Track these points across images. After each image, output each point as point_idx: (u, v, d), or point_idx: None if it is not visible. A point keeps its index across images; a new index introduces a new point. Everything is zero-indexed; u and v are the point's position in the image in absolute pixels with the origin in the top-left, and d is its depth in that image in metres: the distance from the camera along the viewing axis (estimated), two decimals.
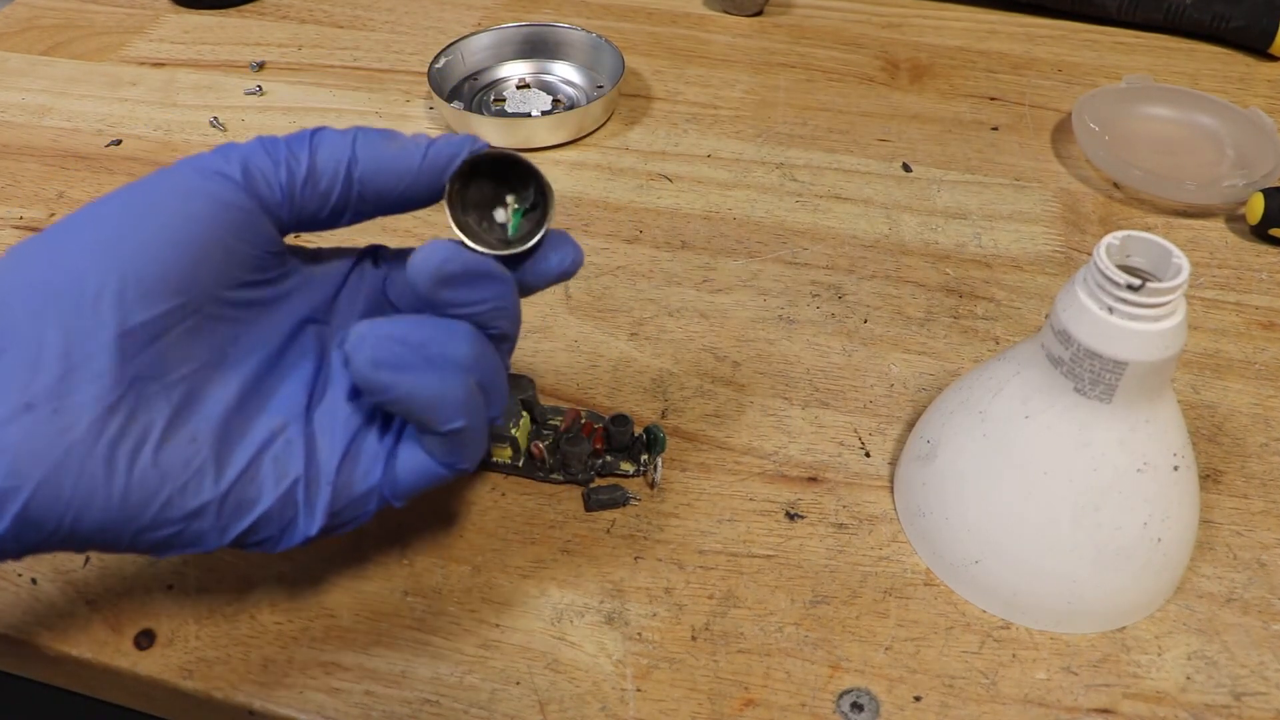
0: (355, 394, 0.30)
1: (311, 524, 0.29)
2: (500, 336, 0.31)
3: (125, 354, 0.25)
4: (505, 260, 0.31)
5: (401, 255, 0.33)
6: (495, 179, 0.32)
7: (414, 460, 0.30)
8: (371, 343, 0.27)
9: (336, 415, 0.30)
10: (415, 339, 0.28)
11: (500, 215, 0.32)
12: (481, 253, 0.30)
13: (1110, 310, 0.31)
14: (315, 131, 0.30)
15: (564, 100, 0.62)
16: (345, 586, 0.36)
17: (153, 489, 0.26)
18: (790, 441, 0.41)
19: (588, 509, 0.38)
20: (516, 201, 0.32)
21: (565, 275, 0.32)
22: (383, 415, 0.30)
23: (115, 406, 0.25)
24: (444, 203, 0.31)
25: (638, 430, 0.40)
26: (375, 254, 0.33)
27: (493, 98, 0.63)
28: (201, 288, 0.27)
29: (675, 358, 0.45)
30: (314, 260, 0.32)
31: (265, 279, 0.30)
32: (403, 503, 0.30)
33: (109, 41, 0.69)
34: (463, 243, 0.30)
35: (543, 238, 0.31)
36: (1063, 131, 0.60)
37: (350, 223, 0.31)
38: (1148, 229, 0.52)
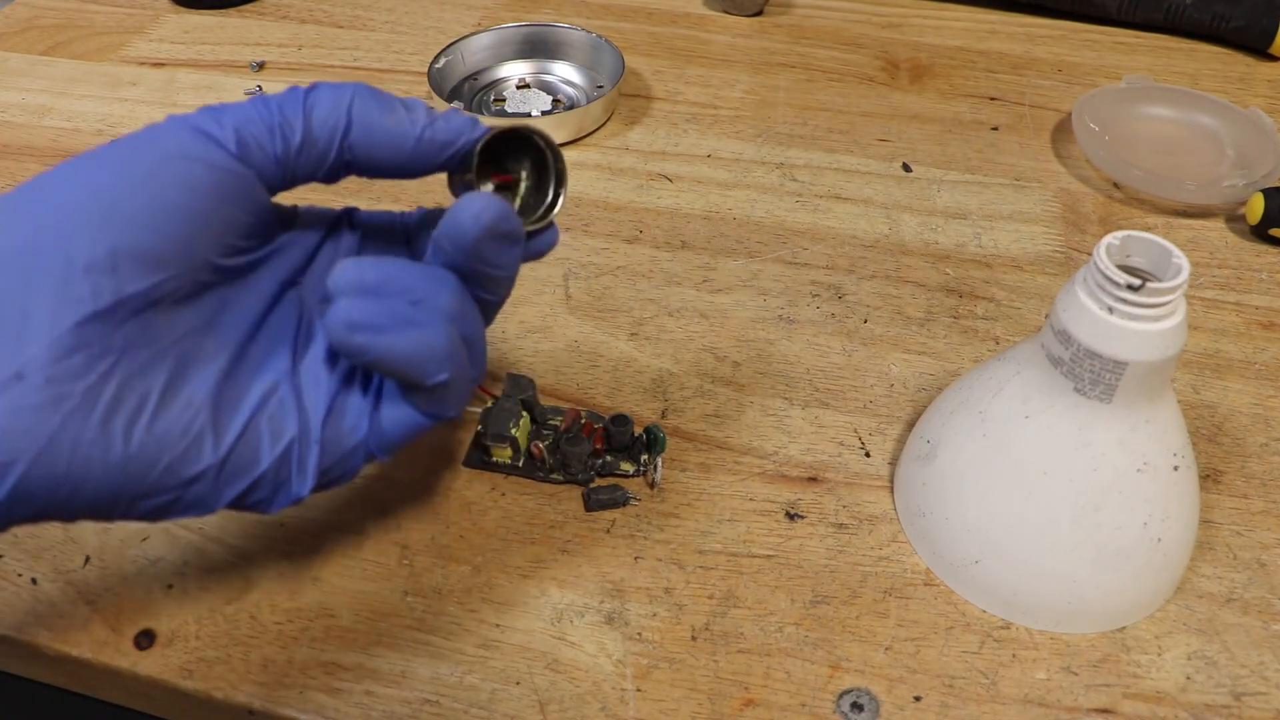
0: (335, 350, 0.30)
1: (304, 484, 0.28)
2: (493, 303, 0.31)
3: (118, 321, 0.25)
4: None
5: (375, 220, 0.33)
6: (497, 151, 0.32)
7: (398, 412, 0.30)
8: (345, 305, 0.27)
9: (319, 372, 0.30)
10: (398, 285, 0.28)
11: (486, 188, 0.32)
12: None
13: (1110, 310, 0.31)
14: (310, 91, 0.29)
15: (564, 100, 0.62)
16: (345, 586, 0.36)
17: (152, 457, 0.25)
18: (790, 441, 0.41)
19: (588, 509, 0.38)
20: (525, 178, 0.32)
21: (540, 255, 0.33)
22: (363, 369, 0.30)
23: (109, 374, 0.24)
24: (468, 182, 0.31)
25: (638, 430, 0.40)
26: (350, 217, 0.33)
27: (493, 98, 0.63)
28: (196, 255, 0.27)
29: (675, 358, 0.45)
30: (292, 221, 0.32)
31: (255, 244, 0.30)
32: (388, 456, 0.30)
33: (109, 41, 0.69)
34: None
35: (556, 212, 0.32)
36: (1063, 131, 0.60)
37: (345, 177, 0.30)
38: (1148, 229, 0.52)
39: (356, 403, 0.30)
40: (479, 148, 0.30)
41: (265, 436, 0.28)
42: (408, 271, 0.28)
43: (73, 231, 0.25)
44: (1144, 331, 0.30)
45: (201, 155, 0.27)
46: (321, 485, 0.29)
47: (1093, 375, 0.32)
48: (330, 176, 0.30)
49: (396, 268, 0.28)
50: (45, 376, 0.23)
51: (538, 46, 0.65)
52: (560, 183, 0.32)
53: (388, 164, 0.30)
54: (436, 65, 0.61)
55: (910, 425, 0.42)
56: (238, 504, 0.28)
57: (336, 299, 0.27)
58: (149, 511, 0.26)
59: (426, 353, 0.28)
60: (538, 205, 0.32)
